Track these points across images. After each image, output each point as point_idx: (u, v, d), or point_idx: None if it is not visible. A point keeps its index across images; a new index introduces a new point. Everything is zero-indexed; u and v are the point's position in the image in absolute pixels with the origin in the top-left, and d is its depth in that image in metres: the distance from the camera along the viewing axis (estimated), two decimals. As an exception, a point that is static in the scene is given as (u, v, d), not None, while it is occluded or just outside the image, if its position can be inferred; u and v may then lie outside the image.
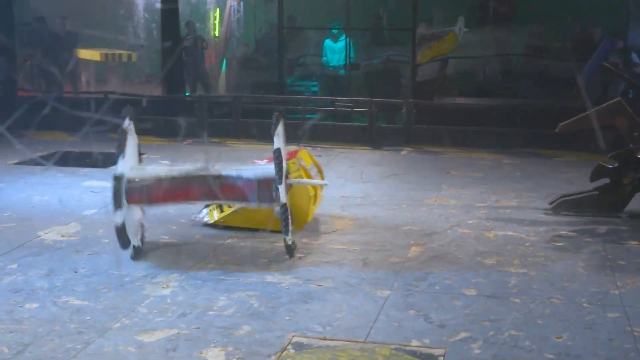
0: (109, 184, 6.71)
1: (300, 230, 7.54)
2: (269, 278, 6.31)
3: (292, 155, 7.79)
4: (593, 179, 8.36)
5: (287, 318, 5.49)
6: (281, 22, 14.40)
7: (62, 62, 15.27)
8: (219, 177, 6.73)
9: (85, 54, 16.27)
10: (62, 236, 7.41)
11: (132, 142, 6.96)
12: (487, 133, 12.41)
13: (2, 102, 13.57)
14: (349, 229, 7.78)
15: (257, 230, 7.45)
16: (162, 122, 13.28)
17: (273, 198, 6.69)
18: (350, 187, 9.65)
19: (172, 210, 7.92)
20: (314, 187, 7.73)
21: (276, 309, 5.67)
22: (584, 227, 7.92)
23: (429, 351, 4.97)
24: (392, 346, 5.03)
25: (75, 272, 6.43)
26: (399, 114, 13.14)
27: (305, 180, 7.50)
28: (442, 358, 4.88)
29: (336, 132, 12.86)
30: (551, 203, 8.57)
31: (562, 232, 7.72)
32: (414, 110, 12.78)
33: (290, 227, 6.77)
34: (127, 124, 6.84)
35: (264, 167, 6.86)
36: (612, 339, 5.19)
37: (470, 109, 13.38)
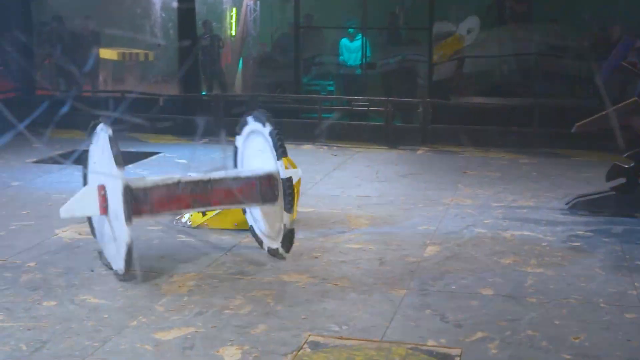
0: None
1: None
2: (285, 277, 6.31)
3: None
4: (609, 178, 8.32)
5: (303, 317, 5.50)
6: (297, 21, 14.41)
7: (82, 61, 15.35)
8: (209, 182, 6.52)
9: (103, 53, 16.34)
10: (80, 234, 7.44)
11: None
12: (504, 132, 12.36)
13: (20, 101, 13.65)
14: (365, 228, 7.78)
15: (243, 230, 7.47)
16: (179, 121, 13.33)
17: (276, 195, 6.61)
18: (366, 187, 9.64)
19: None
20: (296, 184, 7.66)
21: (292, 308, 5.68)
22: (600, 227, 7.88)
23: (445, 351, 4.96)
24: (409, 346, 5.03)
25: (92, 270, 6.46)
26: (415, 113, 13.11)
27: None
28: (458, 358, 4.87)
29: (352, 131, 12.86)
30: (567, 203, 8.54)
31: (579, 232, 7.68)
32: (431, 109, 12.75)
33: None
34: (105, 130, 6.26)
35: (264, 166, 6.74)
36: (629, 340, 5.16)
37: (487, 108, 13.33)
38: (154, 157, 11.40)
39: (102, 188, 6.22)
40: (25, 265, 6.60)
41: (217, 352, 4.96)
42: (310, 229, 7.66)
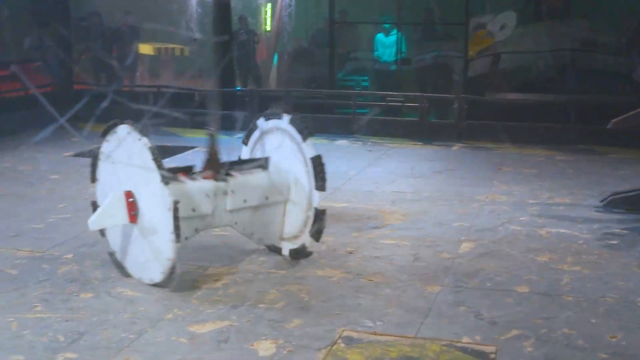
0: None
1: None
2: (320, 272, 6.32)
3: None
4: None
5: (337, 312, 5.50)
6: (332, 17, 14.40)
7: (119, 56, 15.49)
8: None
9: (139, 47, 16.46)
10: (116, 227, 7.50)
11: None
12: (540, 129, 12.27)
13: (57, 96, 13.81)
14: (400, 224, 7.76)
15: None
16: (213, 116, 13.36)
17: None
18: (400, 182, 9.62)
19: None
20: None
21: (326, 303, 5.68)
22: (636, 224, 7.78)
23: (480, 348, 4.94)
24: (443, 342, 5.02)
25: (129, 263, 6.51)
26: (450, 109, 13.05)
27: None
28: (493, 355, 4.85)
29: (387, 126, 12.83)
30: (603, 200, 8.45)
31: (615, 230, 7.60)
32: (466, 105, 12.68)
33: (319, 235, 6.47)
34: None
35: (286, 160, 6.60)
36: (667, 340, 5.10)
37: (522, 104, 13.23)
38: (189, 151, 11.47)
39: (130, 194, 5.97)
40: (63, 258, 6.69)
41: (252, 346, 4.98)
42: (345, 225, 7.66)
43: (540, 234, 7.42)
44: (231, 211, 6.26)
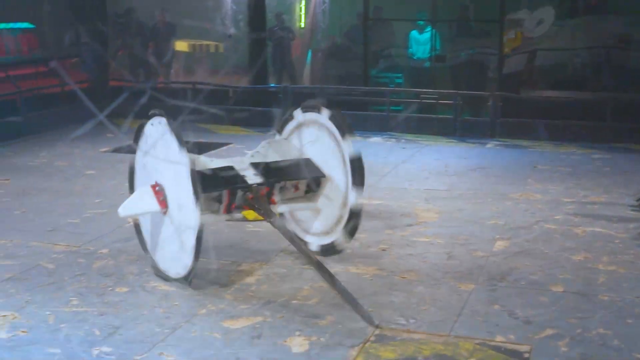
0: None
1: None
2: (353, 269, 6.32)
3: None
4: None
5: (370, 309, 5.50)
6: (367, 14, 14.37)
7: (155, 52, 15.59)
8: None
9: (174, 44, 16.56)
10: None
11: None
12: (576, 127, 12.14)
13: (93, 92, 13.93)
14: (433, 222, 7.73)
15: None
16: (249, 113, 13.43)
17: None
18: (434, 180, 9.58)
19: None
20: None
21: (359, 300, 5.67)
22: (675, 224, 7.69)
23: (514, 347, 4.91)
24: (477, 341, 4.99)
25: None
26: (484, 107, 12.96)
27: None
28: (527, 355, 4.82)
29: (421, 124, 12.78)
30: (639, 199, 8.35)
31: (653, 229, 7.51)
32: (500, 102, 12.59)
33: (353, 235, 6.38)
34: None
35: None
36: None
37: (558, 101, 13.11)
38: (224, 147, 11.52)
39: (155, 185, 5.95)
40: (98, 252, 6.76)
41: (285, 342, 5.00)
42: (378, 222, 7.65)
43: (575, 233, 7.35)
44: None
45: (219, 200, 6.04)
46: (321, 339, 5.03)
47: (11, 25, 15.45)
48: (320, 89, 13.72)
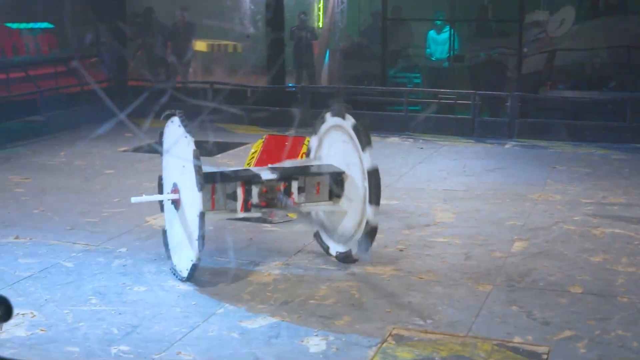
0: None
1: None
2: (370, 269, 6.31)
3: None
4: None
5: (387, 310, 5.50)
6: (385, 13, 14.35)
7: (174, 52, 15.65)
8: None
9: (193, 44, 16.61)
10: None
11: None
12: (595, 127, 12.07)
13: (112, 92, 14.00)
14: (451, 222, 7.71)
15: None
16: (267, 113, 13.45)
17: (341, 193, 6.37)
18: (452, 180, 9.55)
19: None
20: None
21: (377, 300, 5.68)
22: (696, 226, 7.63)
23: (532, 348, 4.89)
24: (494, 342, 4.98)
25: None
26: (503, 107, 12.91)
27: None
28: (545, 356, 4.80)
29: (439, 124, 12.74)
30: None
31: (673, 230, 7.45)
32: (519, 103, 12.54)
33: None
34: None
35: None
36: None
37: (577, 102, 13.03)
38: (241, 147, 11.53)
39: (176, 190, 6.10)
40: (117, 251, 6.79)
41: (302, 342, 5.00)
42: (396, 222, 7.64)
43: (594, 234, 7.31)
44: None
45: (234, 197, 6.06)
46: (338, 339, 5.03)
47: (31, 25, 15.55)
48: (338, 89, 13.71)
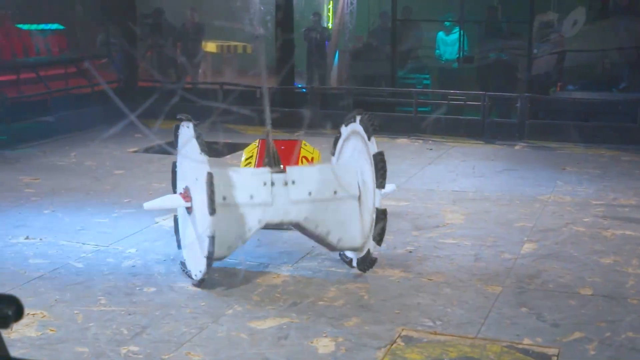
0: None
1: None
2: (379, 271, 6.30)
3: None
4: None
5: (396, 311, 5.49)
6: (395, 14, 14.35)
7: (184, 53, 15.68)
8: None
9: (203, 45, 16.65)
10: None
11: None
12: (606, 128, 12.04)
13: (122, 92, 14.03)
14: (461, 224, 7.70)
15: None
16: (276, 114, 13.44)
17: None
18: (461, 182, 9.54)
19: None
20: None
21: (386, 302, 5.68)
22: None
23: (541, 350, 4.88)
24: (504, 343, 4.97)
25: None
26: (513, 108, 12.89)
27: None
28: (555, 358, 4.78)
29: (448, 125, 12.73)
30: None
31: (684, 232, 7.42)
32: (529, 104, 12.51)
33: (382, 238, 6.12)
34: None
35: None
36: None
37: (587, 103, 13.00)
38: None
39: (186, 190, 6.08)
40: (127, 252, 6.81)
41: (311, 343, 5.00)
42: (405, 223, 7.64)
43: (604, 236, 7.29)
44: (296, 202, 6.00)
45: None
46: (347, 340, 5.03)
47: (42, 26, 15.62)
48: (348, 90, 13.72)
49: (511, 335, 5.09)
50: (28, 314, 5.38)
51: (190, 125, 5.98)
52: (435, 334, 5.13)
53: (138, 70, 15.42)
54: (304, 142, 7.79)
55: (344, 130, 6.47)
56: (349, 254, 6.38)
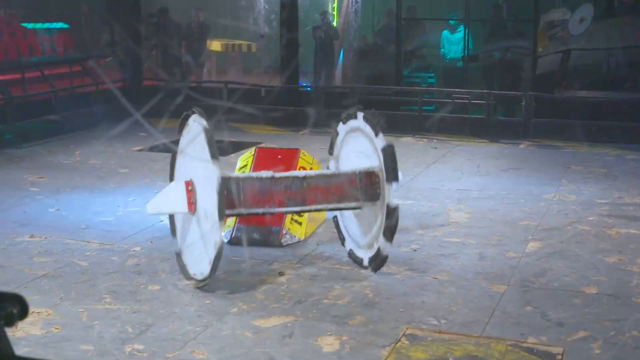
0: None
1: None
2: (384, 269, 6.29)
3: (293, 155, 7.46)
4: None
5: (401, 310, 5.49)
6: (399, 13, 14.33)
7: (189, 52, 15.68)
8: (304, 178, 6.10)
9: (207, 44, 16.65)
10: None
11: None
12: (611, 127, 12.02)
13: (127, 91, 14.05)
14: (465, 222, 7.70)
15: None
16: (280, 112, 13.46)
17: (378, 194, 6.06)
18: (466, 180, 9.53)
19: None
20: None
21: (390, 300, 5.68)
22: None
23: (546, 349, 4.87)
24: (508, 342, 4.96)
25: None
26: (517, 107, 12.87)
27: None
28: (560, 357, 4.78)
29: (453, 124, 12.72)
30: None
31: (689, 231, 7.41)
32: (534, 103, 12.49)
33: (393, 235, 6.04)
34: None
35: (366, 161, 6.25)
36: None
37: (592, 102, 12.97)
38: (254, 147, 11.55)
39: (189, 183, 5.89)
40: (131, 250, 6.82)
41: (316, 341, 5.01)
42: (410, 222, 7.63)
43: (609, 235, 7.28)
44: None
45: None
46: (352, 338, 5.03)
47: (47, 25, 15.64)
48: (352, 89, 13.71)
49: (516, 334, 5.09)
50: (33, 312, 5.38)
51: (203, 122, 5.82)
52: (440, 332, 5.13)
53: (143, 69, 15.43)
54: (302, 151, 7.62)
55: (342, 128, 6.47)
56: (359, 253, 6.35)
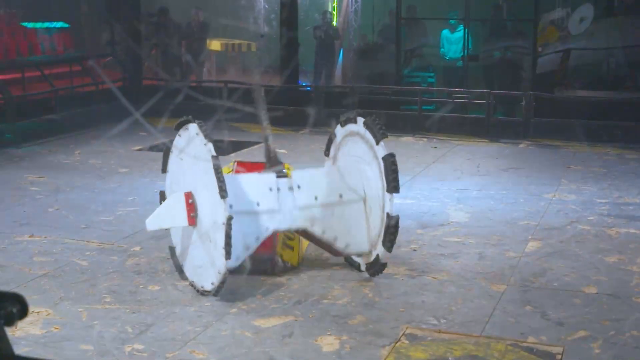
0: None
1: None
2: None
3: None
4: None
5: (401, 309, 5.49)
6: (399, 13, 14.33)
7: (189, 51, 15.69)
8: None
9: (207, 44, 16.66)
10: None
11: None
12: (611, 127, 12.01)
13: (127, 91, 14.05)
14: (465, 222, 7.70)
15: None
16: (280, 112, 13.45)
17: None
18: (466, 180, 9.53)
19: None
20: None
21: (390, 300, 5.68)
22: None
23: (546, 349, 4.87)
24: (508, 342, 4.96)
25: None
26: (517, 107, 12.87)
27: None
28: (560, 356, 4.78)
29: (453, 123, 12.71)
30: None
31: (689, 231, 7.41)
32: (534, 102, 12.49)
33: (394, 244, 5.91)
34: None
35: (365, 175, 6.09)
36: None
37: (592, 101, 12.97)
38: (254, 146, 11.54)
39: (189, 195, 5.71)
40: (131, 250, 6.82)
41: (315, 341, 5.01)
42: (410, 221, 7.63)
43: (609, 234, 7.28)
44: (303, 208, 5.91)
45: None
46: (352, 338, 5.03)
47: (47, 24, 15.65)
48: (352, 88, 13.71)
49: (516, 334, 5.09)
50: (33, 312, 5.38)
51: (203, 134, 5.65)
52: (440, 332, 5.13)
53: (143, 68, 15.43)
54: (286, 165, 7.44)
55: (340, 131, 6.35)
56: (356, 257, 6.29)
